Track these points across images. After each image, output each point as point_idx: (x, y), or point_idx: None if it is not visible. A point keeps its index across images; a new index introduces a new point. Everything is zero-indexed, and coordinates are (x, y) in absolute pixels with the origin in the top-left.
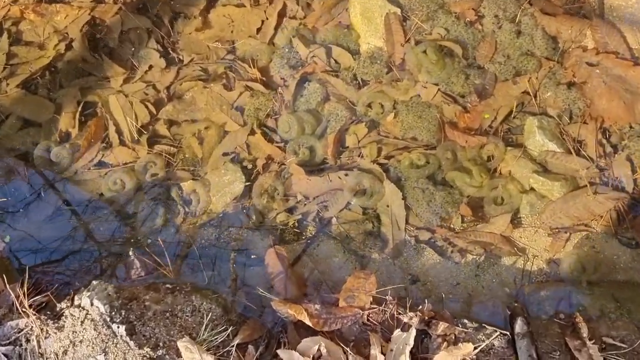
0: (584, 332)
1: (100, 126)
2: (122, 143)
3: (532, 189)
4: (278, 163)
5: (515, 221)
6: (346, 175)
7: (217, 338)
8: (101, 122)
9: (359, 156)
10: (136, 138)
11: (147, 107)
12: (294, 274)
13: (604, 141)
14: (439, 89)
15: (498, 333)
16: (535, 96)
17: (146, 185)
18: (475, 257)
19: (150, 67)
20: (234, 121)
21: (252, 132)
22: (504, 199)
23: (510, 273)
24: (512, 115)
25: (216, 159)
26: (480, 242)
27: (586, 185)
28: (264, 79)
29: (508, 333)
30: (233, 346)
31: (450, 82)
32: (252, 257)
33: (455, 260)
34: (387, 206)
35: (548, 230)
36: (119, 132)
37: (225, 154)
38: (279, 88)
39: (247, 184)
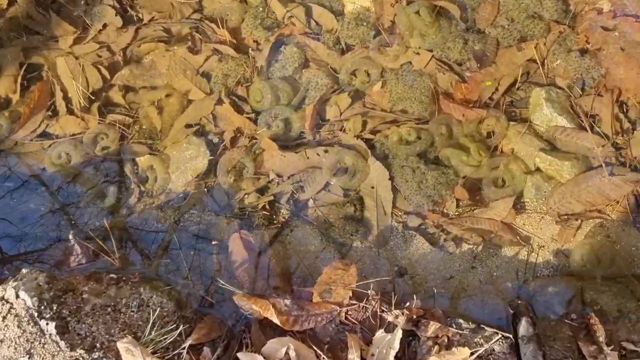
0: (600, 335)
1: (45, 92)
2: (69, 111)
3: (538, 169)
4: (248, 137)
5: (519, 206)
6: (326, 151)
7: (166, 338)
8: (46, 87)
9: (340, 130)
10: (86, 106)
11: (99, 71)
12: (262, 263)
13: (621, 116)
14: (433, 56)
15: (499, 336)
16: (542, 65)
17: (96, 160)
18: (471, 246)
19: (105, 26)
20: (199, 89)
21: (220, 102)
22: (505, 180)
23: (513, 265)
24: (516, 86)
25: (177, 132)
26: (478, 229)
27: (600, 166)
28: (234, 41)
29: (511, 336)
30: (184, 348)
31: (446, 48)
32: (214, 243)
33: (449, 250)
34: (372, 187)
35: (556, 216)
36: (66, 99)
37: (188, 126)
38: (251, 52)
39: (212, 157)
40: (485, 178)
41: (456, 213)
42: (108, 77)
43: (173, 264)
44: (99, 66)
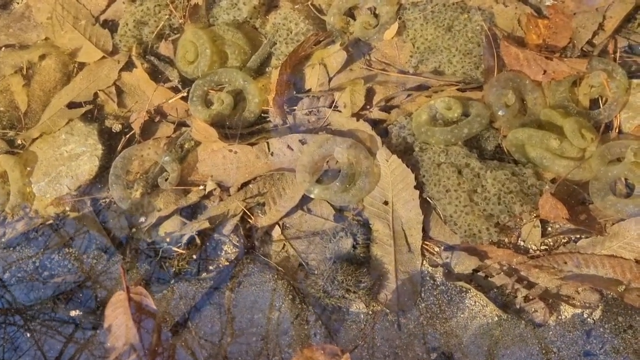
0: None
1: None
2: None
3: None
4: (172, 122)
5: None
6: (302, 142)
7: None
8: None
9: (329, 107)
10: None
11: None
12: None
13: None
14: None
15: None
16: None
17: None
18: (579, 311)
19: None
20: (95, 46)
21: (129, 66)
22: (634, 182)
23: None
24: (636, 21)
25: (54, 115)
26: (590, 278)
27: None
28: None
29: None
30: None
31: None
32: (73, 314)
33: (536, 319)
34: (385, 203)
35: None
36: None
37: (72, 106)
38: None
39: (107, 157)
40: (597, 180)
41: (543, 247)
42: None
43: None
44: None
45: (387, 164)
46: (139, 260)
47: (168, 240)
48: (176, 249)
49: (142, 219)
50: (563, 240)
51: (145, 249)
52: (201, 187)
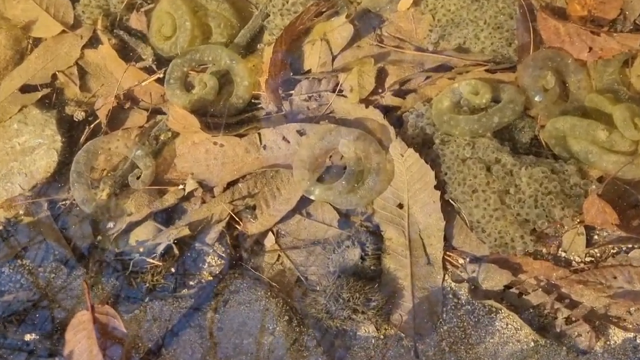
0: None
1: None
2: None
3: None
4: (145, 109)
5: None
6: (300, 133)
7: None
8: None
9: (333, 92)
10: None
11: None
12: None
13: None
14: None
15: None
16: None
17: None
18: (632, 335)
19: None
20: (54, 18)
21: (93, 42)
22: None
23: None
24: None
25: (4, 100)
26: None
27: None
28: None
29: None
30: None
31: None
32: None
33: (580, 345)
34: (400, 206)
35: None
36: None
37: (26, 90)
38: None
39: (67, 149)
40: None
41: (588, 259)
42: None
43: None
44: None
45: (402, 160)
46: (105, 275)
47: (140, 250)
48: (150, 261)
49: (110, 225)
50: (612, 251)
51: (113, 261)
52: (180, 187)
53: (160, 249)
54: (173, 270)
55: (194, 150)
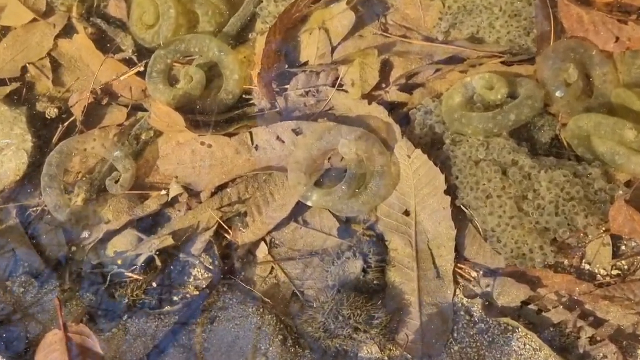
0: None
1: None
2: None
3: None
4: (124, 105)
5: None
6: (296, 132)
7: None
8: None
9: (332, 86)
10: None
11: None
12: None
13: None
14: None
15: None
16: None
17: None
18: None
19: None
20: (24, 4)
21: (67, 31)
22: None
23: None
24: None
25: None
26: None
27: None
28: None
29: None
30: None
31: None
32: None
33: None
34: (406, 213)
35: None
36: None
37: None
38: None
39: (39, 151)
40: None
41: (614, 272)
42: None
43: None
44: None
45: (409, 162)
46: (81, 288)
47: (119, 261)
48: (130, 274)
49: (86, 234)
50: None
51: (90, 273)
52: (163, 192)
53: (141, 260)
54: (155, 284)
55: (178, 151)
